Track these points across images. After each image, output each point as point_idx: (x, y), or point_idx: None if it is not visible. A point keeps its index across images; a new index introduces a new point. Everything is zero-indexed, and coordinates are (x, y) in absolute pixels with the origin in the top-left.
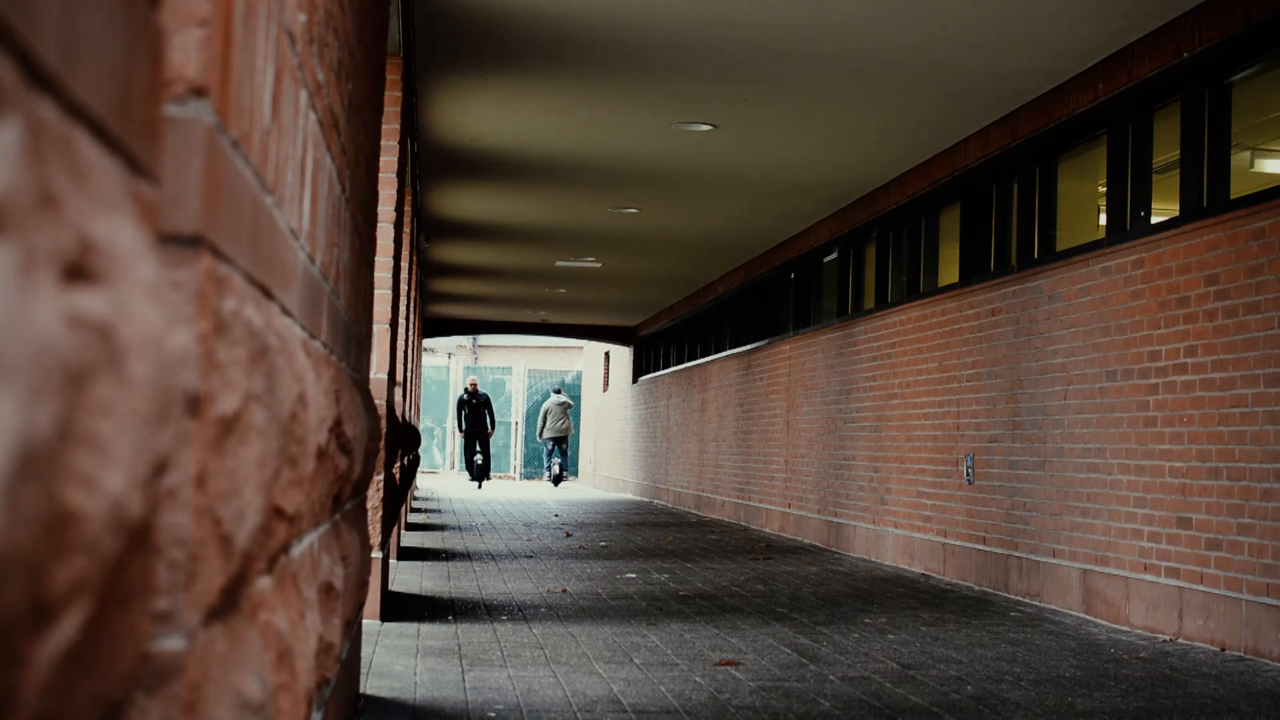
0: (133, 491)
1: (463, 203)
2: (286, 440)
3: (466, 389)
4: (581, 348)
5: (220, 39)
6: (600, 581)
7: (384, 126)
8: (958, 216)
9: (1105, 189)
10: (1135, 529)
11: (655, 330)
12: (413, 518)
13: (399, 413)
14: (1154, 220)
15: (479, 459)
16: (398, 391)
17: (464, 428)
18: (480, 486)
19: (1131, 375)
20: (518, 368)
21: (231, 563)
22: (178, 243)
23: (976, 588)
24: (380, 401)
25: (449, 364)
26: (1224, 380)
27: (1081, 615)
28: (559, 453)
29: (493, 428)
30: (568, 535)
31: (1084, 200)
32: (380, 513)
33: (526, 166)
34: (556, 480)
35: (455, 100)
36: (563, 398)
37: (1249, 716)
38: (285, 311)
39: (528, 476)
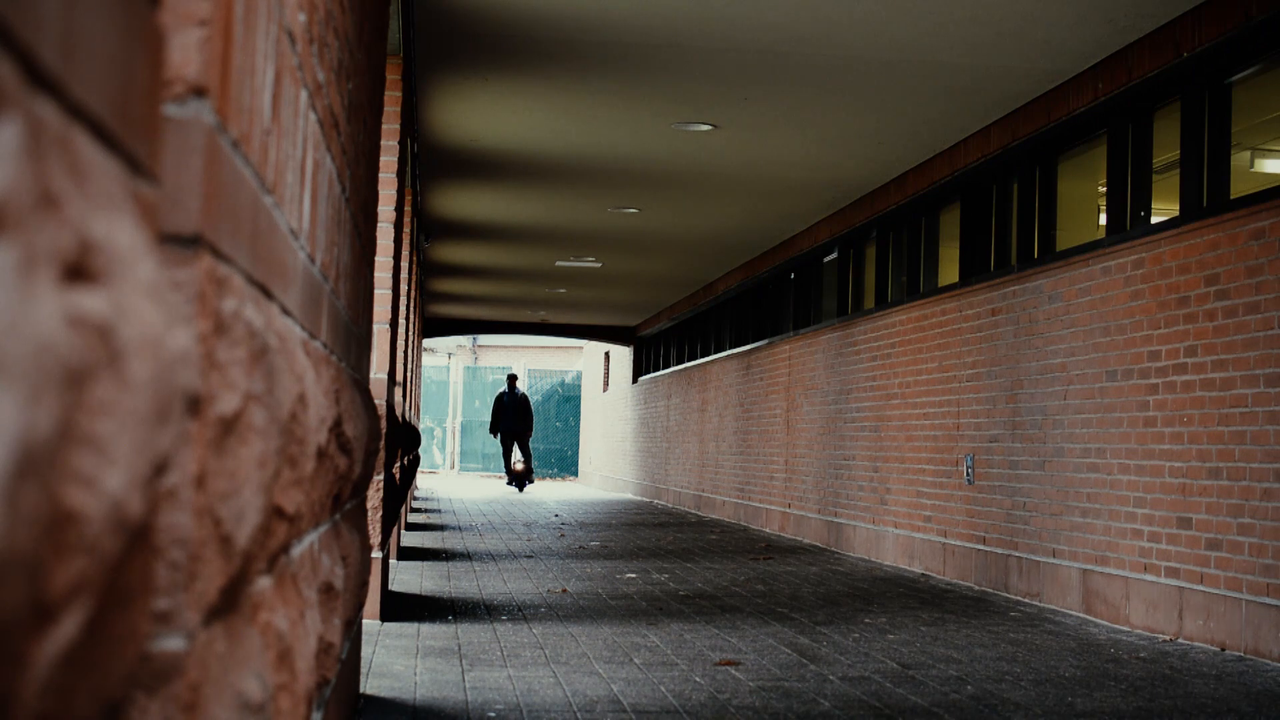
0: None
1: (463, 203)
2: (286, 440)
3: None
4: (581, 348)
5: (220, 39)
6: (600, 581)
7: (384, 126)
8: (958, 216)
9: (1105, 189)
10: (1135, 529)
11: (655, 330)
12: (413, 518)
13: (399, 413)
14: (1154, 220)
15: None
16: (398, 391)
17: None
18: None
19: (1131, 375)
20: (518, 368)
21: (231, 563)
22: (178, 243)
23: (976, 588)
24: (380, 401)
25: (449, 364)
26: (1224, 380)
27: (1081, 615)
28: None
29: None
30: (561, 536)
31: (1084, 200)
32: (380, 513)
33: (526, 166)
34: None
35: (455, 100)
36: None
37: (1249, 716)
38: (285, 311)
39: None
